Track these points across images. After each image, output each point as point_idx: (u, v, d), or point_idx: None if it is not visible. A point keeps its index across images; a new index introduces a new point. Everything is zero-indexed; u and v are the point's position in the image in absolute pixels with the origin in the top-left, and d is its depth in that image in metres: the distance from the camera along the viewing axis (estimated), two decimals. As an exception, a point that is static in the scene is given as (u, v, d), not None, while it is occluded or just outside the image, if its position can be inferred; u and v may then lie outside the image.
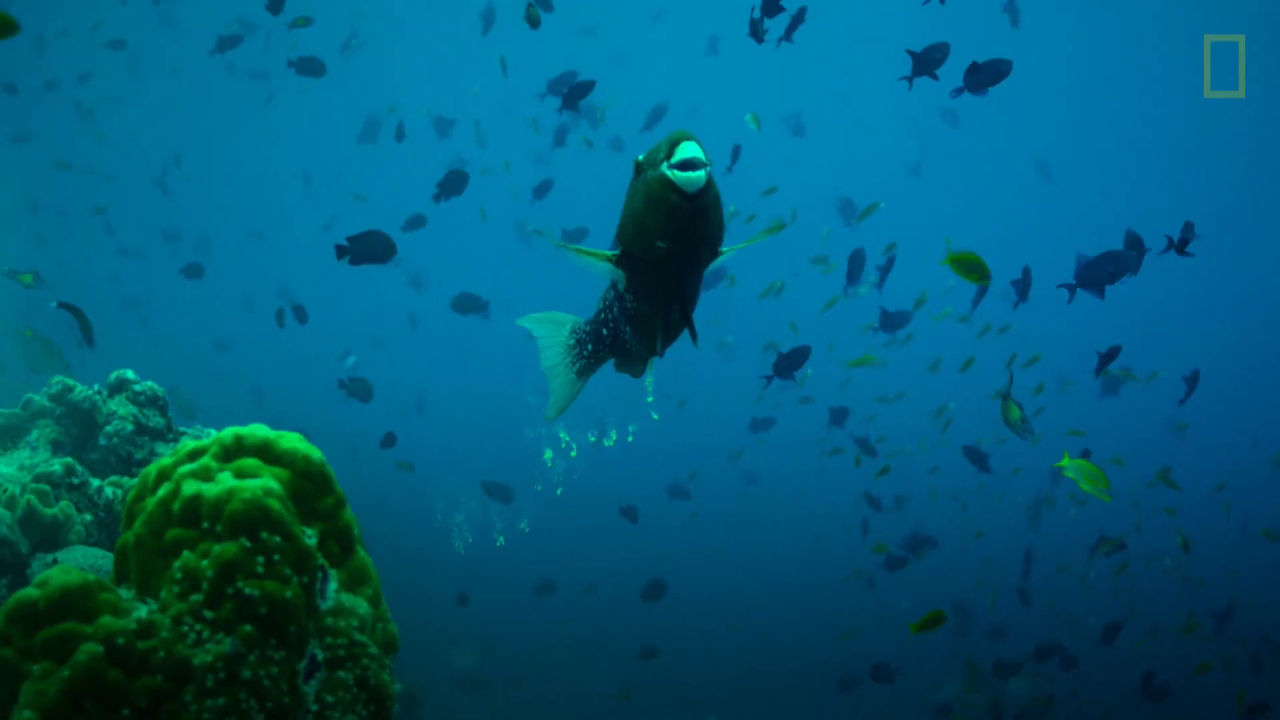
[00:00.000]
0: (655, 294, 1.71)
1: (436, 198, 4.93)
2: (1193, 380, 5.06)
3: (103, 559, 2.68)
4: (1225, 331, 14.67)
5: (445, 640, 7.49)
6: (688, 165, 1.51)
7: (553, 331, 2.00)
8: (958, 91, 4.01)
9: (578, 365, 1.98)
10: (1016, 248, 4.63)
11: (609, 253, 1.74)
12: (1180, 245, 3.57)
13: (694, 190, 1.51)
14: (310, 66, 6.09)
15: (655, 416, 2.00)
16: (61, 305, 3.56)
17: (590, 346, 1.96)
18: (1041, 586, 7.63)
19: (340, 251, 3.72)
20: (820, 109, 13.01)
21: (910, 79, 4.12)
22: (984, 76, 3.93)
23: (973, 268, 3.47)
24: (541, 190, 6.60)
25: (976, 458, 5.42)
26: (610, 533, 8.05)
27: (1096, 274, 3.69)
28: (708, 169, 1.52)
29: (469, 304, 5.79)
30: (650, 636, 7.81)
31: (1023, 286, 4.27)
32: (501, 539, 6.29)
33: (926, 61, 4.06)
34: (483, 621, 7.87)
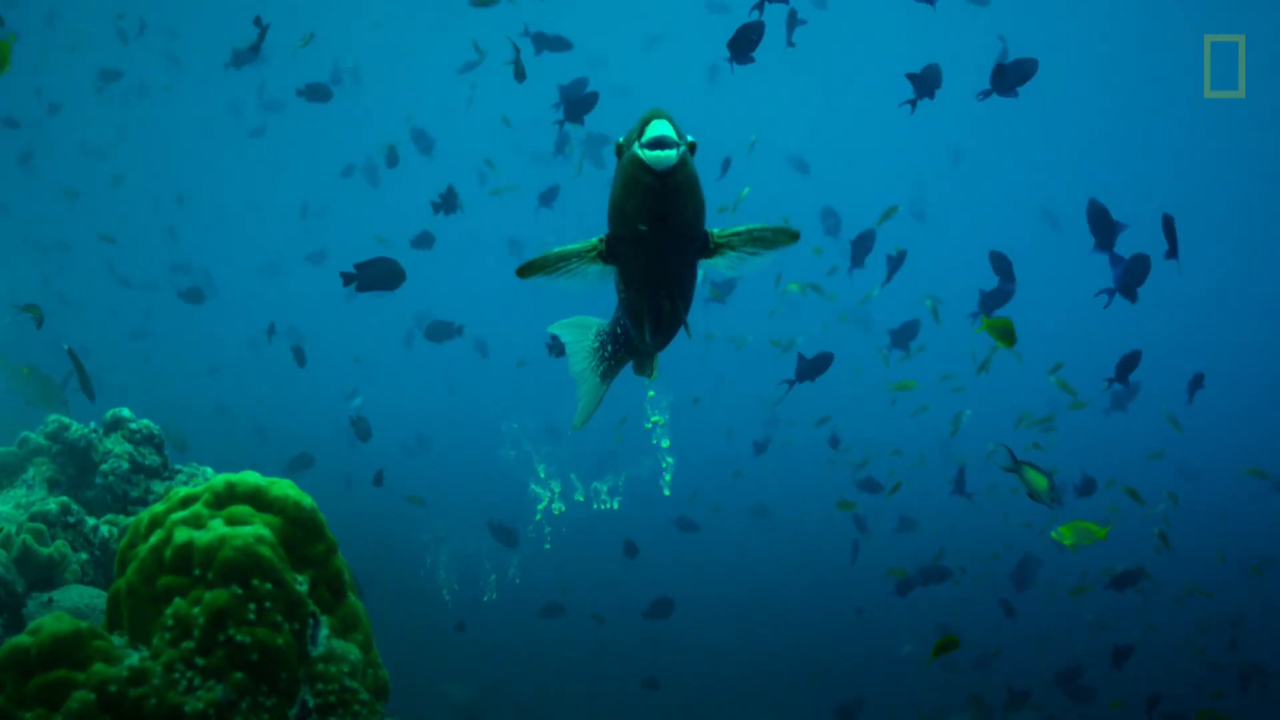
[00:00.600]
0: (643, 281, 1.68)
1: (436, 208, 4.92)
2: (1196, 383, 4.99)
3: (98, 598, 2.67)
4: (1224, 334, 14.63)
5: (444, 670, 7.44)
6: (658, 144, 1.47)
7: (580, 336, 1.96)
8: (985, 94, 4.04)
9: (601, 368, 1.95)
10: (1013, 252, 4.65)
11: (590, 242, 1.69)
12: (1172, 248, 3.53)
13: (664, 169, 1.47)
14: (318, 93, 6.13)
15: (667, 463, 1.98)
16: (70, 354, 3.56)
17: (610, 347, 1.94)
18: (1041, 608, 7.60)
19: (347, 279, 3.66)
20: (822, 141, 13.10)
21: (913, 102, 4.17)
22: (1011, 77, 3.96)
23: (1005, 333, 3.54)
24: (547, 198, 6.55)
25: (960, 486, 5.41)
26: (615, 545, 8.01)
27: (1136, 276, 3.68)
28: (680, 148, 1.48)
29: (443, 331, 5.73)
30: (659, 653, 7.76)
31: (1005, 271, 4.31)
32: (493, 592, 6.26)
33: (926, 82, 4.10)
34: (484, 649, 7.82)
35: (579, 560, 8.79)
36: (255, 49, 4.80)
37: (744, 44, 3.73)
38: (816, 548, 9.58)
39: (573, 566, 8.62)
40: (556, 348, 4.25)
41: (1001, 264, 4.33)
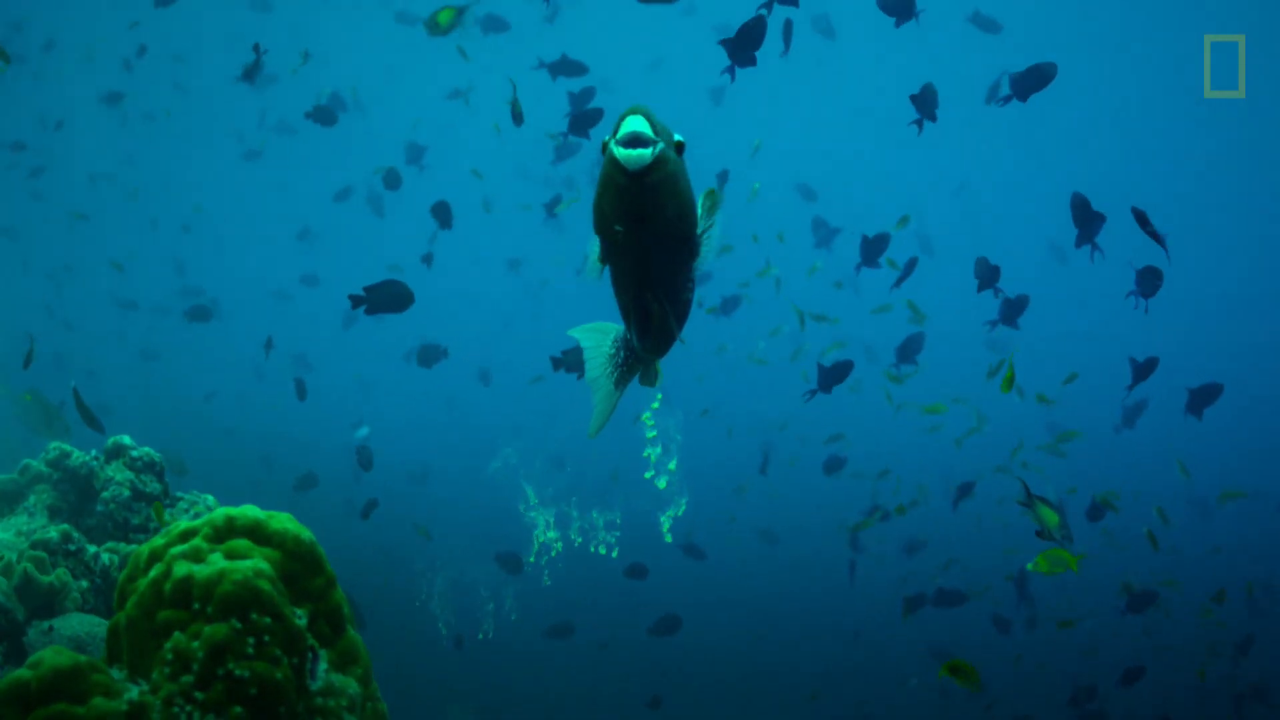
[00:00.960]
0: (629, 282, 1.62)
1: (444, 223, 4.94)
2: (1202, 397, 4.90)
3: (99, 626, 2.67)
4: (1224, 338, 14.57)
5: (445, 697, 7.38)
6: (632, 141, 1.40)
7: (598, 341, 1.90)
8: (1005, 99, 4.07)
9: (615, 375, 1.89)
10: (1014, 259, 4.69)
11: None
12: (1156, 239, 3.50)
13: (636, 168, 1.40)
14: (324, 115, 6.18)
15: (680, 510, 1.94)
16: (75, 394, 3.58)
17: (623, 354, 1.88)
18: (1044, 630, 7.55)
19: (356, 301, 3.65)
20: (826, 163, 13.13)
21: (919, 122, 4.20)
22: (1030, 82, 3.99)
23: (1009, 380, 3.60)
24: (551, 205, 6.54)
25: (956, 501, 5.42)
26: (619, 559, 7.97)
27: (1153, 283, 3.71)
28: (656, 146, 1.40)
29: (432, 354, 5.68)
30: (664, 671, 7.70)
31: (988, 276, 4.34)
32: (490, 626, 6.23)
33: (925, 102, 4.14)
34: (486, 673, 7.77)
35: (584, 568, 8.75)
36: (251, 73, 4.84)
37: (745, 43, 3.64)
38: (819, 562, 9.54)
39: (578, 575, 8.58)
40: (562, 362, 4.24)
41: (985, 269, 4.35)
